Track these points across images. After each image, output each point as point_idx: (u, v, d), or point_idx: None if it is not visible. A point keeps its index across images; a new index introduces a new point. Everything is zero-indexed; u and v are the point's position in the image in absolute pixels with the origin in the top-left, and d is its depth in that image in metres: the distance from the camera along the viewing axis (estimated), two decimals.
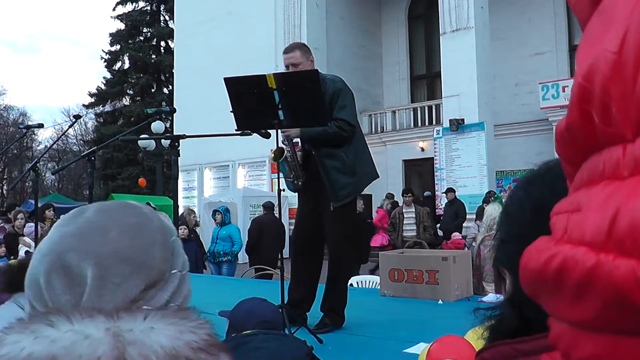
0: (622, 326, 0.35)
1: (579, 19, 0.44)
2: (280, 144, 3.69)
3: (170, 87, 31.48)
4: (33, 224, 8.33)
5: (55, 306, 0.72)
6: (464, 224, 11.88)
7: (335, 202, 3.74)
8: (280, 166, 3.78)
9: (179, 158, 3.70)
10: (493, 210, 7.11)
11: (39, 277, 0.74)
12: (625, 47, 0.35)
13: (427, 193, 17.08)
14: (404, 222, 10.19)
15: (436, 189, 16.70)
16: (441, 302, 4.61)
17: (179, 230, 5.42)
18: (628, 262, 0.33)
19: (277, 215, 8.65)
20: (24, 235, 7.56)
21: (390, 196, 13.80)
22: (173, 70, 25.71)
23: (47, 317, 0.67)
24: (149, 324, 0.68)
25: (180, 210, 11.57)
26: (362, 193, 4.21)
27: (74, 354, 0.63)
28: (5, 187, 39.13)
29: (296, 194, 4.05)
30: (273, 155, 3.70)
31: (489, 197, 10.80)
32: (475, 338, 1.45)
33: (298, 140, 3.87)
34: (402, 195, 10.61)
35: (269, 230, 8.77)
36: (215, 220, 9.09)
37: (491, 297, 4.10)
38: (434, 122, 19.31)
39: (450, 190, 12.80)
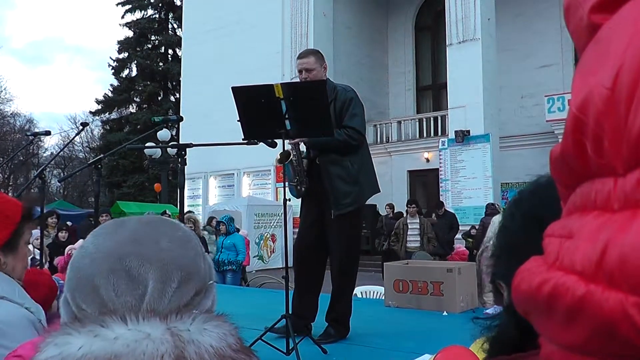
0: (609, 352, 0.36)
1: (576, 45, 0.46)
2: (287, 147, 3.68)
3: (177, 95, 31.56)
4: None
5: (113, 307, 0.75)
6: (455, 236, 11.95)
7: (337, 210, 3.72)
8: (285, 169, 3.78)
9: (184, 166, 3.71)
10: (498, 222, 7.09)
11: (94, 279, 0.77)
12: (618, 84, 0.36)
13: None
14: (408, 232, 10.17)
15: (441, 200, 16.66)
16: (446, 314, 4.60)
17: None
18: (617, 295, 0.34)
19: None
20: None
21: (391, 206, 13.80)
22: (180, 78, 25.79)
23: (100, 319, 0.70)
24: (201, 326, 0.73)
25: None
26: (366, 203, 4.20)
27: (136, 351, 0.66)
28: (11, 193, 39.24)
29: (300, 202, 4.04)
30: (279, 157, 3.68)
31: (489, 210, 10.82)
32: (480, 348, 1.46)
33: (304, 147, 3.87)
34: (407, 206, 10.60)
35: None
36: (219, 230, 9.08)
37: (491, 310, 4.09)
38: (439, 133, 19.30)
39: (440, 204, 12.79)
